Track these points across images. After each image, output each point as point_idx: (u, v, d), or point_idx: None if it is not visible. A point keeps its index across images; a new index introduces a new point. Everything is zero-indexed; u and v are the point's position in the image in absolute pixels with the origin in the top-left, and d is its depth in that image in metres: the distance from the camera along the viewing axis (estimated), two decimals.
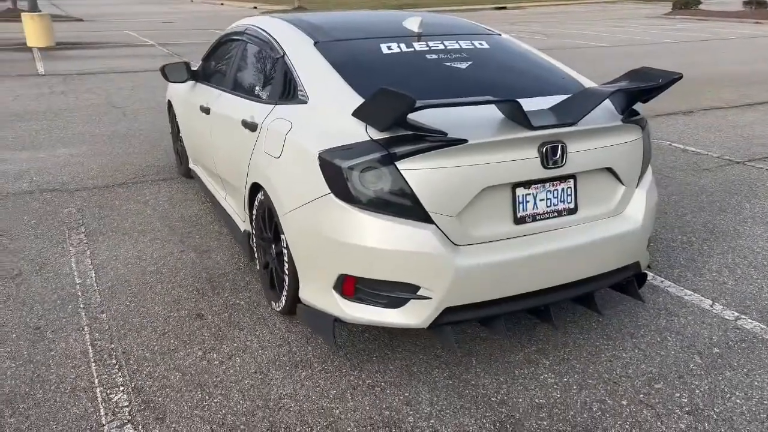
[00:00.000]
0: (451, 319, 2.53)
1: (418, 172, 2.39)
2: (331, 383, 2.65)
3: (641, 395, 2.56)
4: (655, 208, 2.97)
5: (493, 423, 2.41)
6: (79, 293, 3.42)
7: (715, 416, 2.44)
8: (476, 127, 2.48)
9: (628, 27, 20.56)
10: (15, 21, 20.51)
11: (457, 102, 2.34)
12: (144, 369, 2.75)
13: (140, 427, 2.40)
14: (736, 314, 3.16)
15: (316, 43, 3.15)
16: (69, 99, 8.97)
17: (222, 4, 36.14)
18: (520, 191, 2.57)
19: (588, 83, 3.13)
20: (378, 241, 2.43)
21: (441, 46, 3.18)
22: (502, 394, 2.58)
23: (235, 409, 2.50)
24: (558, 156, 2.56)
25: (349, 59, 3.01)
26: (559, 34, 18.04)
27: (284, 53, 3.22)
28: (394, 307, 2.51)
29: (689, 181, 5.20)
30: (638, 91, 2.74)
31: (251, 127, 3.21)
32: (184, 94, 4.76)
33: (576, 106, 2.62)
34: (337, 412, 2.48)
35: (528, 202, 2.60)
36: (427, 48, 3.15)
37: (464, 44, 3.26)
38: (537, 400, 2.54)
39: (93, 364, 2.78)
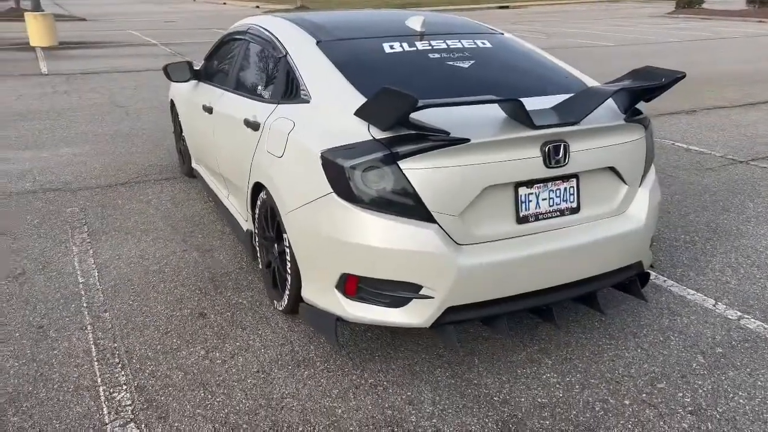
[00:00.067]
0: (453, 318, 2.53)
1: (421, 172, 2.39)
2: (333, 382, 2.65)
3: (644, 395, 2.56)
4: (658, 208, 2.97)
5: (496, 422, 2.41)
6: (82, 292, 3.43)
7: (718, 416, 2.44)
8: (479, 126, 2.48)
9: (631, 26, 20.52)
10: (18, 20, 20.55)
11: (459, 101, 2.34)
12: (147, 368, 2.75)
13: (143, 426, 2.40)
14: (739, 314, 3.16)
15: (318, 43, 3.15)
16: (72, 98, 8.98)
17: (224, 3, 36.16)
18: (522, 191, 2.57)
19: (590, 82, 3.12)
20: (380, 240, 2.43)
21: (443, 46, 3.18)
22: (504, 394, 2.57)
23: (237, 408, 2.50)
24: (560, 155, 2.56)
25: (352, 58, 3.01)
26: (561, 34, 18.02)
27: (286, 52, 3.23)
28: (397, 307, 2.51)
29: (692, 181, 5.19)
30: (641, 90, 2.73)
31: (254, 126, 3.22)
32: (186, 94, 4.77)
33: (579, 105, 2.61)
34: (340, 411, 2.48)
35: (530, 201, 2.60)
36: (430, 47, 3.15)
37: (467, 43, 3.26)
38: (539, 400, 2.54)
39: (96, 363, 2.79)
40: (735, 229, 4.21)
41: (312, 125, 2.77)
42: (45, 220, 4.47)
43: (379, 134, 2.45)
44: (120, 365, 2.78)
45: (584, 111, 2.56)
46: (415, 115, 2.38)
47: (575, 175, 2.67)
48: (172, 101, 5.44)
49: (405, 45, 3.14)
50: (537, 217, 2.62)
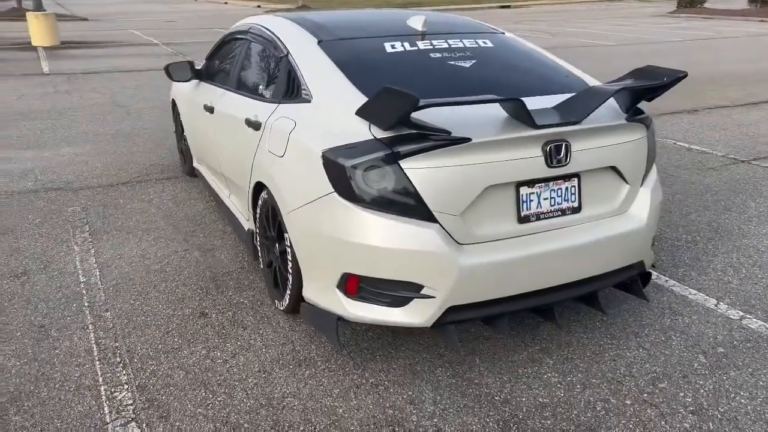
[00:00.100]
0: (454, 318, 2.53)
1: (422, 171, 2.39)
2: (334, 382, 2.65)
3: (645, 394, 2.56)
4: (659, 207, 2.96)
5: (497, 422, 2.41)
6: (84, 292, 3.43)
7: (719, 416, 2.43)
8: (480, 125, 2.48)
9: (632, 25, 20.50)
10: (20, 20, 20.57)
11: (460, 101, 2.34)
12: (148, 367, 2.76)
13: (144, 425, 2.41)
14: (741, 313, 3.15)
15: (319, 42, 3.15)
16: (73, 98, 8.99)
17: (226, 2, 36.17)
18: (523, 190, 2.57)
19: (592, 82, 3.12)
20: (381, 240, 2.43)
21: (445, 45, 3.18)
22: (505, 393, 2.57)
23: (238, 407, 2.50)
24: (562, 155, 2.55)
25: (353, 58, 3.01)
26: (563, 33, 18.00)
27: (288, 52, 3.22)
28: (398, 306, 2.51)
29: (694, 180, 5.19)
30: (643, 89, 2.73)
31: (255, 126, 3.22)
32: (188, 93, 4.77)
33: (580, 104, 2.61)
34: (341, 410, 2.48)
35: (532, 201, 2.59)
36: (431, 47, 3.14)
37: (468, 43, 3.25)
38: (540, 399, 2.53)
39: (97, 363, 2.79)
40: (737, 229, 4.20)
41: (313, 125, 2.77)
42: (46, 219, 4.47)
43: (381, 134, 2.45)
44: (121, 364, 2.78)
45: (586, 110, 2.56)
46: (416, 115, 2.38)
47: (577, 175, 2.67)
48: (173, 101, 5.44)
49: (406, 44, 3.14)
50: (538, 217, 2.62)
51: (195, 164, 5.04)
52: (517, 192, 2.56)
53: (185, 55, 13.12)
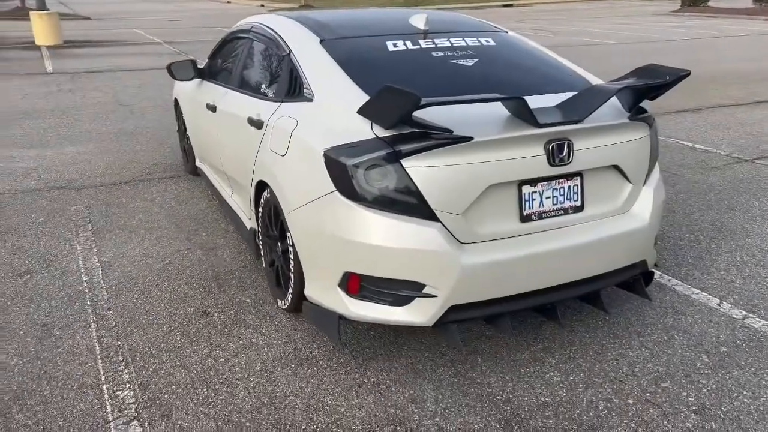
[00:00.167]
0: (456, 317, 2.52)
1: (424, 170, 2.39)
2: (336, 381, 2.65)
3: (648, 394, 2.55)
4: (662, 206, 2.96)
5: (499, 421, 2.41)
6: (86, 290, 3.44)
7: (722, 415, 2.43)
8: (482, 124, 2.48)
9: (635, 24, 20.45)
10: (23, 20, 20.61)
11: (462, 99, 2.34)
12: (150, 366, 2.76)
13: (146, 423, 2.41)
14: (744, 313, 3.14)
15: (321, 41, 3.15)
16: (76, 97, 9.00)
17: (228, 2, 36.18)
18: (526, 189, 2.56)
19: (595, 80, 3.11)
20: (383, 239, 2.43)
21: (447, 44, 3.17)
22: (507, 393, 2.57)
23: (240, 406, 2.51)
24: (564, 153, 2.55)
25: (355, 57, 3.01)
26: (566, 32, 17.97)
27: (290, 51, 3.22)
28: (400, 305, 2.51)
29: (697, 179, 5.17)
30: (646, 88, 2.72)
31: (257, 124, 3.22)
32: (190, 92, 4.77)
33: (583, 103, 2.60)
34: (342, 409, 2.48)
35: (534, 199, 2.59)
36: (433, 45, 3.14)
37: (470, 41, 3.25)
38: (543, 399, 2.53)
39: (100, 361, 2.80)
40: (740, 228, 4.19)
41: (315, 123, 2.76)
42: (49, 218, 4.48)
43: (382, 132, 2.44)
44: (123, 363, 2.78)
45: (588, 109, 2.55)
46: (418, 114, 2.37)
47: (579, 174, 2.66)
48: (176, 100, 5.45)
49: (408, 43, 3.14)
50: (541, 216, 2.61)
51: (197, 163, 5.04)
52: (520, 191, 2.55)
53: (188, 54, 13.13)
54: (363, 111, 2.49)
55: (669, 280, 3.49)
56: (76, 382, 2.65)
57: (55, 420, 2.43)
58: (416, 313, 2.50)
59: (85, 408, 2.50)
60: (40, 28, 15.13)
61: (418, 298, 2.49)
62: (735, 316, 3.11)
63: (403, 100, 2.23)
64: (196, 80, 4.59)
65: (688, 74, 2.76)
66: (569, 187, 2.65)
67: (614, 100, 2.80)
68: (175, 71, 4.42)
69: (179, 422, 2.42)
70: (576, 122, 2.54)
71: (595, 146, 2.64)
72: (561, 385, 2.61)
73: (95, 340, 2.96)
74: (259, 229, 3.34)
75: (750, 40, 15.74)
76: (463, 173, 2.41)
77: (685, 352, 2.82)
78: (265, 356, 2.82)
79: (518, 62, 3.22)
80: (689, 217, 4.39)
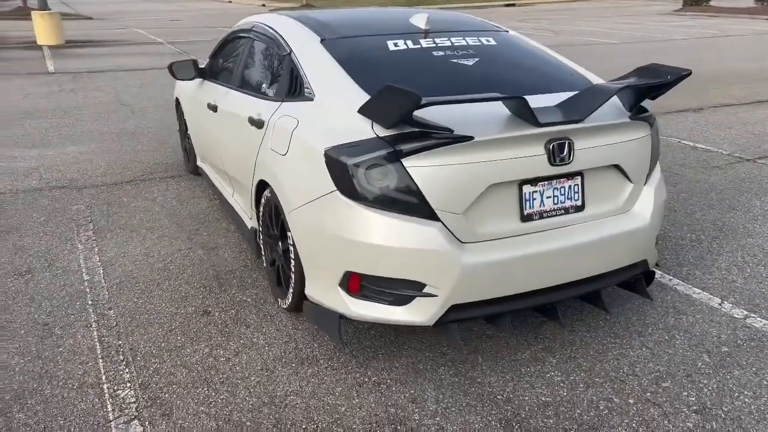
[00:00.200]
0: (457, 316, 2.52)
1: (424, 170, 2.39)
2: (336, 380, 2.65)
3: (648, 394, 2.55)
4: (663, 206, 2.95)
5: (499, 421, 2.41)
6: (87, 290, 3.44)
7: (723, 415, 2.42)
8: (483, 123, 2.47)
9: (638, 23, 20.42)
10: (25, 19, 20.63)
11: (463, 99, 2.33)
12: (151, 365, 2.76)
13: (147, 423, 2.41)
14: (745, 313, 3.14)
15: (322, 41, 3.15)
16: (78, 97, 9.01)
17: (230, 1, 36.19)
18: (526, 188, 2.56)
19: (596, 80, 3.11)
20: (383, 238, 2.43)
21: (448, 43, 3.17)
22: (508, 392, 2.57)
23: (241, 405, 2.51)
24: (565, 153, 2.54)
25: (356, 56, 3.01)
26: (568, 31, 17.95)
27: (291, 50, 3.22)
28: (400, 305, 2.51)
29: (699, 179, 5.17)
30: (646, 87, 2.72)
31: (258, 124, 3.22)
32: (191, 92, 4.78)
33: (583, 102, 2.60)
34: (343, 409, 2.48)
35: (535, 199, 2.59)
36: (434, 45, 3.14)
37: (471, 41, 3.24)
38: (543, 399, 2.53)
39: (100, 361, 2.80)
40: (741, 228, 4.19)
41: (316, 123, 2.76)
42: (51, 217, 4.48)
43: (383, 132, 2.44)
44: (124, 362, 2.78)
45: (589, 108, 2.55)
46: (418, 113, 2.37)
47: (580, 173, 2.66)
48: (177, 99, 5.45)
49: (409, 43, 3.13)
50: (541, 215, 2.61)
51: (199, 163, 5.04)
52: (520, 190, 2.55)
53: (189, 54, 13.14)
54: (364, 110, 2.49)
55: (670, 279, 3.49)
56: (77, 382, 2.66)
57: (55, 419, 2.44)
58: (417, 313, 2.50)
59: (86, 407, 2.50)
60: (42, 28, 15.14)
61: (418, 298, 2.48)
62: (736, 316, 3.11)
63: (403, 99, 2.23)
64: (198, 80, 4.60)
65: (689, 74, 2.75)
66: (570, 187, 2.65)
67: (615, 99, 2.79)
68: (176, 71, 4.43)
69: (180, 421, 2.42)
70: (577, 122, 2.53)
71: (595, 146, 2.64)
72: (561, 384, 2.61)
73: (96, 340, 2.96)
74: (260, 229, 3.34)
75: (752, 39, 15.72)
76: (463, 173, 2.41)
77: (686, 352, 2.82)
78: (266, 355, 2.82)
79: (519, 62, 3.22)
80: (691, 216, 4.39)
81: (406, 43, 3.12)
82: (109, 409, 2.49)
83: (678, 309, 3.18)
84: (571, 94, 2.74)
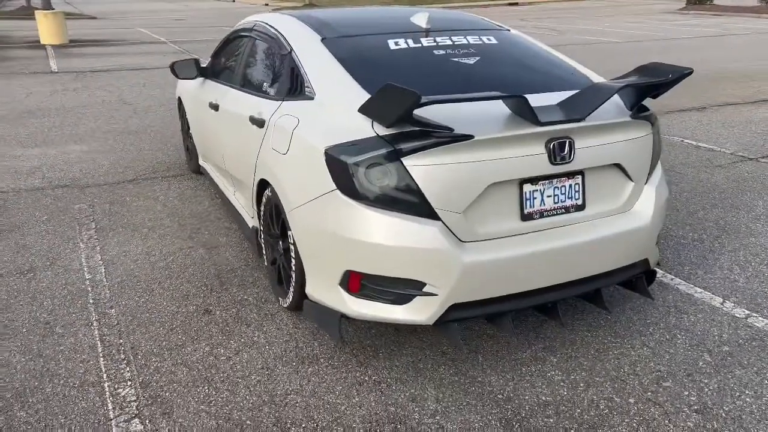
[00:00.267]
0: (457, 315, 2.52)
1: (425, 168, 2.39)
2: (337, 379, 2.65)
3: (649, 393, 2.54)
4: (665, 205, 2.94)
5: (499, 420, 2.41)
6: (89, 288, 3.45)
7: (724, 415, 2.42)
8: (483, 122, 2.47)
9: (641, 22, 20.37)
10: (29, 19, 20.68)
11: (463, 98, 2.33)
12: (152, 364, 2.77)
13: (147, 421, 2.41)
14: (747, 312, 3.13)
15: (323, 39, 3.15)
16: (81, 96, 9.03)
17: (233, 1, 36.21)
18: (527, 187, 2.55)
19: (597, 79, 3.10)
20: (384, 237, 2.43)
21: (448, 42, 3.16)
22: (508, 391, 2.57)
23: (241, 404, 2.51)
24: (565, 152, 2.54)
25: (356, 55, 3.00)
26: (571, 30, 17.92)
27: (291, 49, 3.22)
28: (400, 304, 2.51)
29: (701, 178, 5.15)
30: (648, 86, 2.71)
31: (259, 123, 3.22)
32: (193, 91, 4.78)
33: (584, 101, 2.59)
34: (343, 407, 2.48)
35: (535, 198, 2.58)
36: (435, 43, 3.13)
37: (472, 40, 3.24)
38: (543, 398, 2.53)
39: (101, 359, 2.81)
40: (744, 227, 4.17)
41: (316, 122, 2.76)
42: (53, 216, 4.49)
43: (383, 131, 2.44)
44: (125, 361, 2.79)
45: (590, 107, 2.55)
46: (418, 112, 2.37)
47: (581, 172, 2.65)
48: (179, 98, 5.46)
49: (410, 42, 3.13)
50: (542, 214, 2.61)
51: (200, 162, 5.05)
52: (521, 189, 2.55)
53: (192, 53, 13.15)
54: (364, 109, 2.49)
55: (672, 279, 3.48)
56: (78, 380, 2.66)
57: (56, 417, 2.44)
58: (417, 312, 2.50)
59: (87, 405, 2.51)
60: (46, 28, 15.18)
61: (418, 297, 2.48)
62: (738, 316, 3.10)
63: (403, 98, 2.23)
64: (199, 79, 4.60)
65: (691, 72, 2.75)
66: (570, 186, 2.65)
67: (616, 98, 2.79)
68: (178, 70, 4.44)
69: (180, 420, 2.42)
70: (577, 120, 2.53)
71: (596, 144, 2.63)
72: (562, 384, 2.61)
73: (97, 338, 2.97)
74: (261, 228, 3.35)
75: (755, 38, 15.66)
76: (463, 172, 2.41)
77: (687, 352, 2.81)
78: (267, 354, 2.83)
79: (520, 60, 3.21)
80: (693, 215, 4.38)
81: (406, 42, 3.12)
82: (110, 408, 2.49)
83: (679, 308, 3.17)
84: (571, 92, 2.74)
